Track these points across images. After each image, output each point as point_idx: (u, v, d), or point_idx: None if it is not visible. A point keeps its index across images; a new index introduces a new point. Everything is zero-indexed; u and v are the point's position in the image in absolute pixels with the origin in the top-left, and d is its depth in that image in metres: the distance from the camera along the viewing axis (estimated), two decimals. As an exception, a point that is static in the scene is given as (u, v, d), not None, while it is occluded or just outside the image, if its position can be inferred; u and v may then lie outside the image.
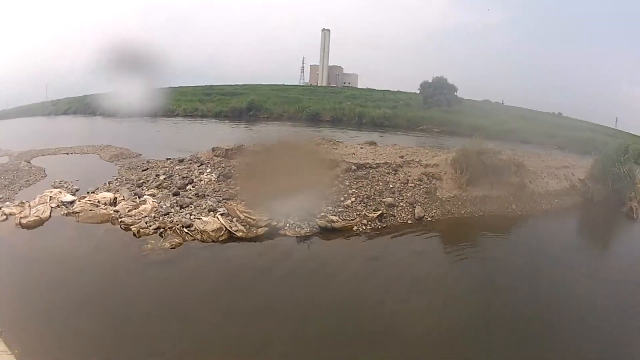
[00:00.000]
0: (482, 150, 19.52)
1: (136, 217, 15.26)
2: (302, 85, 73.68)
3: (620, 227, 19.92)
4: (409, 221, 16.33)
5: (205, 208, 15.58)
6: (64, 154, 31.23)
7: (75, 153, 31.65)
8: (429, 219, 16.79)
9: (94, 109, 54.47)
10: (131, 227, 14.62)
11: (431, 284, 12.46)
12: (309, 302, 11.11)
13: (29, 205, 17.40)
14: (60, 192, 18.83)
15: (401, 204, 16.85)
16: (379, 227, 15.60)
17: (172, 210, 15.73)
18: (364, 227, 15.34)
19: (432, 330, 10.35)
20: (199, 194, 17.06)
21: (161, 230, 14.31)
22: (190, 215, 15.19)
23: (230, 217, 14.53)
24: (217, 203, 16.06)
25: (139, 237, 14.15)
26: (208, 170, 19.53)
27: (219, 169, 19.50)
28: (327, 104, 53.65)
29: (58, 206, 17.68)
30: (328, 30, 72.89)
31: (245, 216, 14.39)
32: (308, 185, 16.53)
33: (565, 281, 13.40)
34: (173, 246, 13.47)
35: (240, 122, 49.51)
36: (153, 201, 16.57)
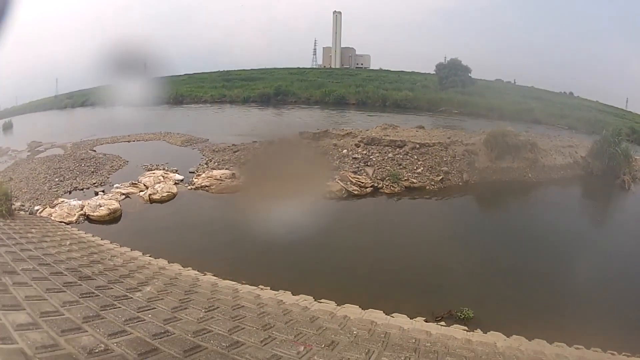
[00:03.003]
0: (505, 132, 29.00)
1: None
2: (318, 68, 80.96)
3: (613, 195, 28.49)
4: (460, 183, 25.93)
5: (322, 177, 24.97)
6: (125, 142, 36.87)
7: (137, 141, 37.46)
8: (472, 182, 26.32)
9: (112, 100, 61.74)
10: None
11: (470, 228, 21.62)
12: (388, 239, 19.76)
13: (145, 185, 24.17)
14: (166, 173, 26.05)
15: (453, 171, 26.43)
16: (442, 187, 25.26)
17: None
18: (432, 187, 25.00)
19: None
20: (309, 166, 26.47)
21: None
22: (311, 181, 24.53)
23: (344, 181, 24.05)
24: (327, 172, 25.44)
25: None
26: (302, 151, 28.84)
27: (312, 149, 28.86)
28: (350, 88, 60.91)
29: (176, 183, 24.72)
30: (339, 12, 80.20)
31: (356, 180, 23.97)
32: (391, 158, 26.35)
33: (565, 230, 22.06)
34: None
35: (267, 107, 56.73)
36: None
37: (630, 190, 28.36)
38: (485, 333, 10.68)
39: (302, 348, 6.12)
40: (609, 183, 28.68)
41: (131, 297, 7.62)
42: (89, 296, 6.82)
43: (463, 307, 12.93)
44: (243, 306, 9.04)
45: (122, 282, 8.86)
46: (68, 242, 13.42)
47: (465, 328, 11.18)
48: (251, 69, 74.37)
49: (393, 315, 11.14)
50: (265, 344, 6.15)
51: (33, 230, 14.48)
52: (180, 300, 8.37)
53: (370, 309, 11.28)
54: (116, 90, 56.78)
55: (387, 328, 9.13)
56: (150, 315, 6.65)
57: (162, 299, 8.04)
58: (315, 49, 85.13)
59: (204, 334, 6.10)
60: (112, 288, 7.92)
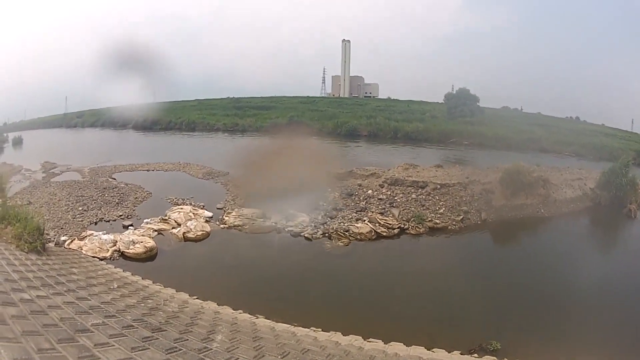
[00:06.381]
0: (519, 170, 31.67)
1: (298, 227, 26.09)
2: (327, 97, 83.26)
3: (619, 223, 31.16)
4: (479, 222, 28.63)
5: (351, 218, 27.41)
6: (144, 170, 38.23)
7: (156, 170, 38.79)
8: (490, 220, 28.96)
9: (123, 122, 62.33)
10: (301, 234, 25.10)
11: (489, 264, 24.34)
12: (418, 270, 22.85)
13: (175, 221, 25.21)
14: (195, 209, 27.46)
15: (472, 210, 29.11)
16: (462, 226, 27.92)
17: (327, 220, 27.42)
18: (454, 226, 27.70)
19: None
20: (336, 208, 28.93)
21: (327, 234, 25.57)
22: (342, 223, 26.92)
23: (373, 223, 26.51)
24: (354, 213, 27.98)
25: (312, 240, 24.68)
26: (329, 190, 31.26)
27: (337, 188, 31.33)
28: (361, 119, 63.74)
29: (207, 221, 25.82)
30: (348, 41, 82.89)
31: (384, 222, 26.47)
32: (414, 199, 28.92)
33: (576, 259, 24.46)
34: (346, 244, 24.88)
35: (280, 136, 56.21)
36: (305, 214, 27.88)
37: (636, 219, 31.01)
38: None
39: None
40: (616, 213, 31.31)
41: (210, 349, 7.82)
42: (174, 351, 6.96)
43: (490, 339, 15.38)
44: (309, 350, 9.83)
45: (192, 331, 9.07)
46: (115, 285, 13.42)
47: (495, 358, 13.63)
48: (261, 97, 76.70)
49: (433, 350, 13.30)
50: None
51: (74, 269, 14.40)
52: (254, 348, 8.81)
53: (413, 345, 13.30)
54: (126, 112, 59.03)
55: None
56: None
57: (237, 347, 8.41)
58: (324, 77, 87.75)
59: None
60: (187, 339, 8.06)
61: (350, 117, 64.75)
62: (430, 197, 29.56)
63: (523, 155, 40.42)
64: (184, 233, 23.87)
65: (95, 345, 6.06)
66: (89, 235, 22.20)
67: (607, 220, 31.49)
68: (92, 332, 6.77)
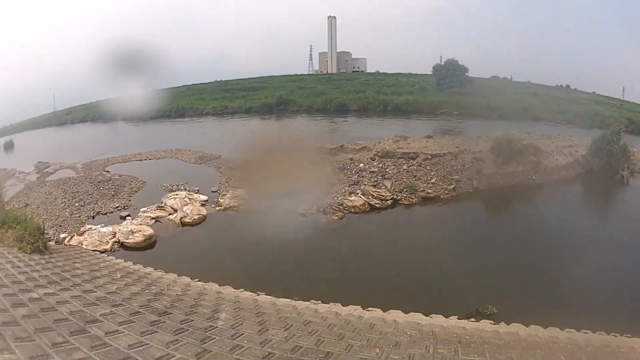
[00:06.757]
0: (510, 138, 31.99)
1: (293, 204, 25.95)
2: (315, 74, 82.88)
3: (612, 189, 31.41)
4: (470, 190, 29.02)
5: (344, 192, 27.63)
6: (136, 160, 37.76)
7: (148, 159, 38.21)
8: (481, 188, 29.32)
9: (113, 114, 59.88)
10: (295, 210, 25.19)
11: (483, 231, 24.82)
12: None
13: (172, 207, 25.27)
14: (190, 194, 27.24)
15: (463, 179, 29.46)
16: (454, 195, 28.31)
17: (321, 196, 27.56)
18: (446, 195, 28.08)
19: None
20: (329, 182, 29.10)
21: (321, 209, 25.86)
22: (336, 197, 27.16)
23: (366, 195, 26.76)
24: (347, 187, 28.20)
25: (307, 216, 25.10)
26: (322, 166, 31.42)
27: (329, 163, 31.50)
28: (350, 94, 62.85)
29: (203, 205, 26.01)
30: (334, 17, 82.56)
31: (377, 194, 26.74)
32: (406, 170, 29.22)
33: (567, 225, 25.20)
34: (340, 218, 25.36)
35: (270, 116, 58.22)
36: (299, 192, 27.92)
37: (629, 185, 31.30)
38: (508, 325, 13.33)
39: (378, 350, 7.63)
40: (609, 179, 31.56)
41: (216, 327, 8.05)
42: (181, 332, 7.20)
43: (487, 304, 15.88)
44: (310, 321, 10.11)
45: (196, 312, 9.35)
46: (119, 275, 13.87)
47: (492, 322, 13.94)
48: (249, 78, 75.54)
49: (431, 316, 13.75)
50: (349, 351, 7.39)
51: (77, 264, 14.84)
52: (258, 323, 9.13)
53: (411, 312, 13.74)
54: (116, 104, 58.19)
55: (431, 327, 11.25)
56: (246, 341, 7.29)
57: (241, 323, 8.74)
58: (311, 55, 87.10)
59: (299, 350, 7.08)
60: (193, 320, 8.32)
61: (339, 92, 63.71)
62: (421, 168, 29.86)
63: (514, 124, 40.50)
64: (181, 218, 24.12)
65: (106, 333, 6.33)
66: (87, 230, 22.44)
67: (599, 186, 31.77)
68: (102, 321, 7.05)
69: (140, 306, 8.89)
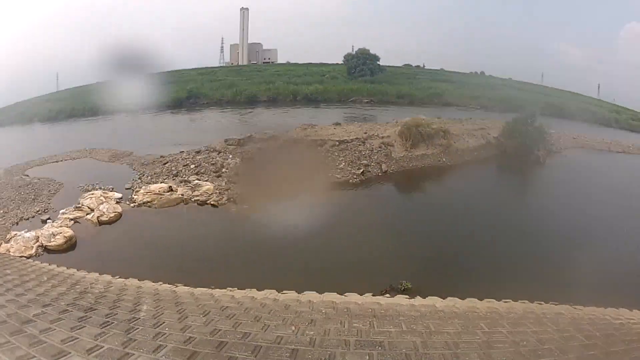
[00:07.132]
0: (418, 123, 32.43)
1: (204, 195, 25.56)
2: (226, 67, 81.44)
3: (527, 169, 32.65)
4: (380, 173, 28.99)
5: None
6: (53, 162, 36.01)
7: (64, 160, 36.72)
8: (390, 171, 29.42)
9: (30, 116, 56.50)
10: (207, 202, 25.00)
11: (393, 213, 24.86)
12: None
13: (88, 207, 24.70)
14: (105, 193, 26.49)
15: (372, 163, 29.45)
16: (363, 179, 28.14)
17: (230, 186, 26.75)
18: (355, 179, 27.83)
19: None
20: (237, 173, 28.36)
21: (232, 199, 25.15)
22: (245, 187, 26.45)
23: (273, 184, 26.26)
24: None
25: (218, 207, 24.66)
26: (230, 157, 30.63)
27: (238, 154, 30.79)
28: (260, 85, 62.24)
29: (117, 202, 25.48)
30: (247, 8, 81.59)
31: (285, 182, 26.28)
32: (311, 158, 28.91)
33: (479, 203, 25.83)
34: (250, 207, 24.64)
35: (181, 111, 56.97)
36: (209, 183, 27.00)
37: (545, 164, 32.81)
38: (424, 298, 13.12)
39: (293, 328, 7.65)
40: (524, 159, 32.84)
41: (138, 318, 8.30)
42: (108, 325, 7.47)
43: (401, 280, 15.94)
44: (227, 307, 10.25)
45: (119, 306, 9.52)
46: (45, 278, 13.66)
47: (407, 297, 13.79)
48: (158, 73, 73.51)
49: (346, 294, 13.38)
50: (265, 331, 7.56)
51: (7, 270, 14.57)
52: (177, 311, 9.30)
53: (325, 292, 13.29)
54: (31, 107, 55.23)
55: (346, 304, 10.93)
56: (167, 329, 7.45)
57: (162, 313, 8.90)
58: (222, 47, 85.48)
59: (218, 332, 7.21)
60: (117, 314, 8.54)
61: (249, 84, 62.88)
62: (329, 154, 29.63)
63: (425, 110, 41.50)
64: (98, 217, 23.85)
65: (40, 332, 6.70)
66: (13, 237, 22.08)
67: (513, 166, 32.86)
68: (36, 321, 7.42)
69: (68, 304, 9.22)
